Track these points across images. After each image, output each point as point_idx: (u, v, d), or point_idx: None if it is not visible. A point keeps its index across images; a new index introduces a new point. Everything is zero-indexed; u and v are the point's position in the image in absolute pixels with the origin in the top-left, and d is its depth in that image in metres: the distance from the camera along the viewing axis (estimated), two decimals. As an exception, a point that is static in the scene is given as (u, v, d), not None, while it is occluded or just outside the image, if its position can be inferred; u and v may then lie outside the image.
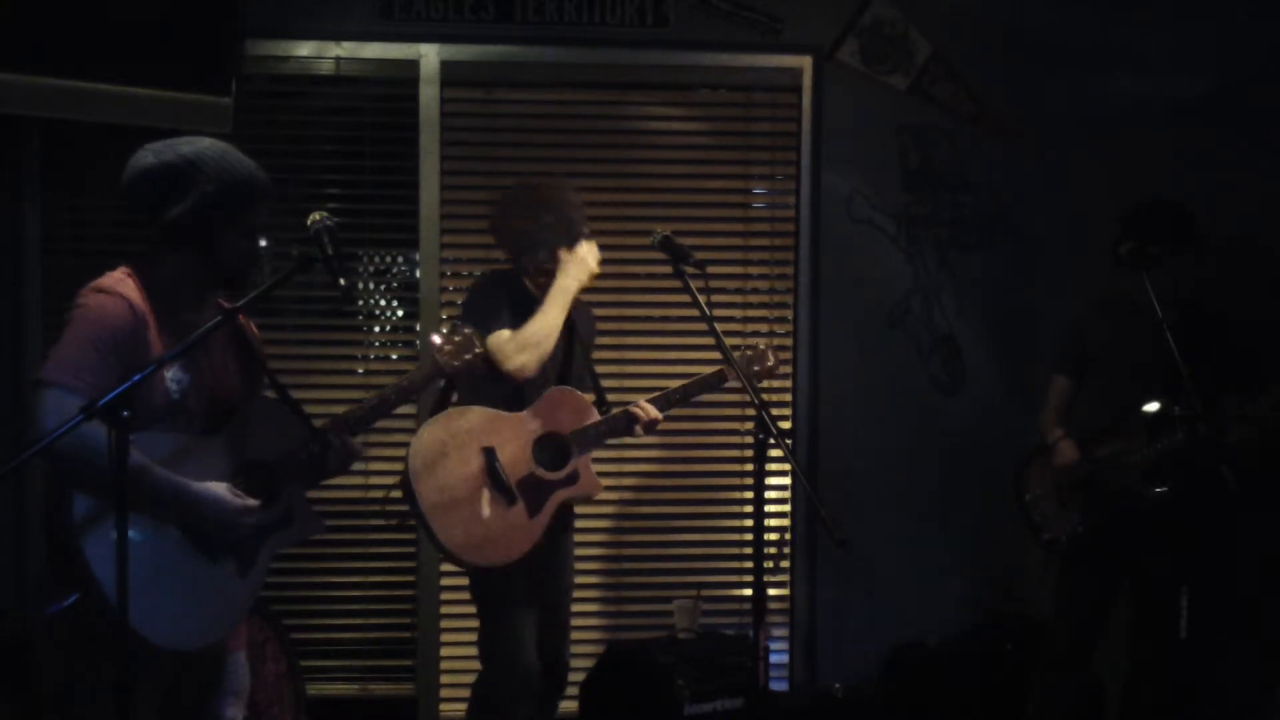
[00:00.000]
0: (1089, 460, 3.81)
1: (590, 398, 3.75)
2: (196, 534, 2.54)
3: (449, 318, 4.31)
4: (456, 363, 3.11)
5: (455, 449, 3.49)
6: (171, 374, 2.54)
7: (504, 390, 3.58)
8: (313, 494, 4.39)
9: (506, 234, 3.67)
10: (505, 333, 3.53)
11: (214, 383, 2.65)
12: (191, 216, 2.55)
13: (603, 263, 4.46)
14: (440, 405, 3.74)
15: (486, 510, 3.49)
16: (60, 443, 2.27)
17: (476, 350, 3.17)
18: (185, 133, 2.69)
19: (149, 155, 2.58)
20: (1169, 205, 3.78)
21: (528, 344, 3.51)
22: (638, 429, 3.63)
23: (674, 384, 3.75)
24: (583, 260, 3.62)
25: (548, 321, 3.54)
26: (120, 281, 2.54)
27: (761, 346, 3.83)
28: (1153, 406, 3.66)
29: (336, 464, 2.79)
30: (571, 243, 3.65)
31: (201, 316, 2.63)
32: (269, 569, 2.74)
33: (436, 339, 3.13)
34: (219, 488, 2.55)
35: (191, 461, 2.53)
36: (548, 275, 3.63)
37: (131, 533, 2.35)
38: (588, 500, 3.78)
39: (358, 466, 4.43)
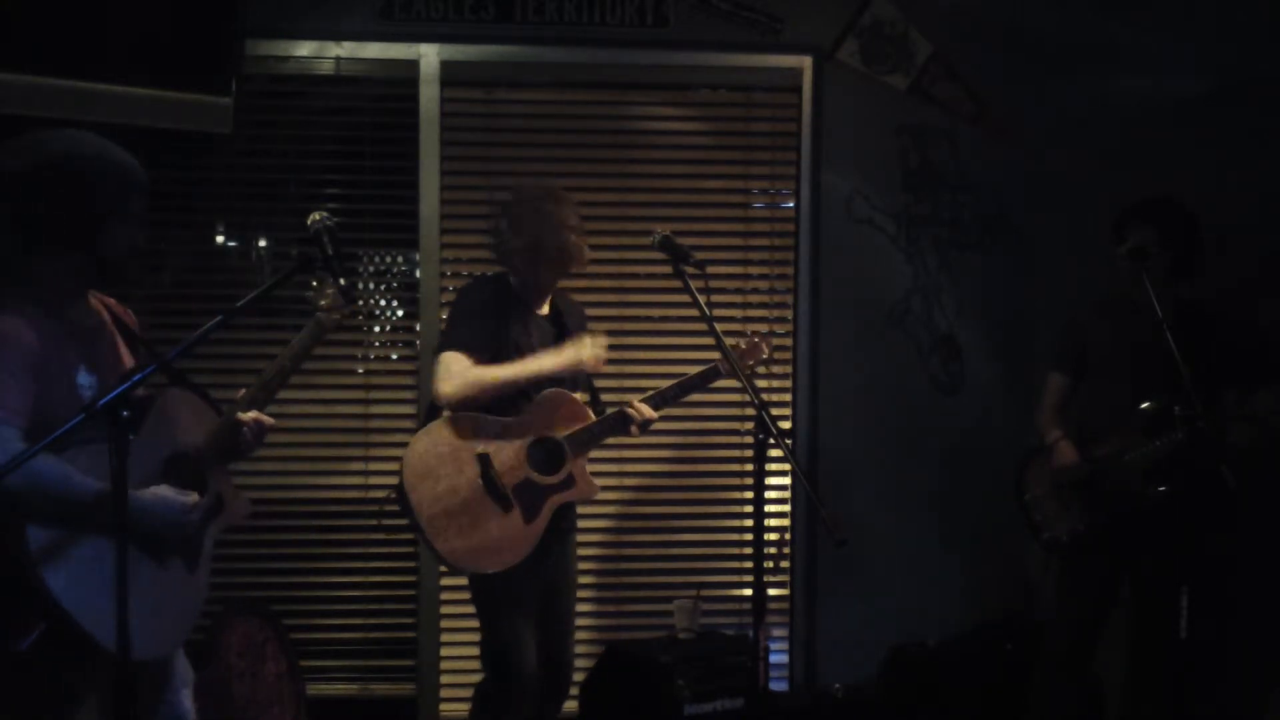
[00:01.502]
0: (1088, 461, 3.81)
1: (584, 398, 3.75)
2: (142, 541, 2.48)
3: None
4: (337, 315, 2.98)
5: (449, 457, 3.49)
6: (82, 379, 2.46)
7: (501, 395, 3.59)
8: (314, 493, 4.51)
9: (502, 244, 3.65)
10: (462, 359, 3.49)
11: (119, 381, 2.54)
12: (74, 215, 2.45)
13: (603, 263, 4.51)
14: (435, 410, 3.74)
15: (483, 517, 3.49)
16: (11, 481, 2.20)
17: (355, 302, 3.06)
18: (51, 124, 2.57)
19: (11, 156, 2.44)
20: (1168, 203, 3.78)
21: (471, 384, 3.47)
22: (633, 429, 3.62)
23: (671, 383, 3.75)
24: (580, 348, 3.56)
25: (505, 376, 3.50)
26: (4, 300, 2.43)
27: (755, 338, 3.82)
28: (1152, 406, 3.65)
29: (252, 441, 2.73)
30: (564, 267, 3.63)
31: (85, 313, 2.58)
32: (213, 559, 2.72)
33: (313, 290, 2.96)
34: (162, 490, 2.51)
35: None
36: (540, 284, 3.65)
37: (85, 552, 2.32)
38: (584, 503, 3.79)
39: (358, 466, 4.50)
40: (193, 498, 2.55)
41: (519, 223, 3.58)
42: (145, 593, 2.47)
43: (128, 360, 2.66)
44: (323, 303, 2.93)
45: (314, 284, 2.89)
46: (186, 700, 2.73)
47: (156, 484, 2.53)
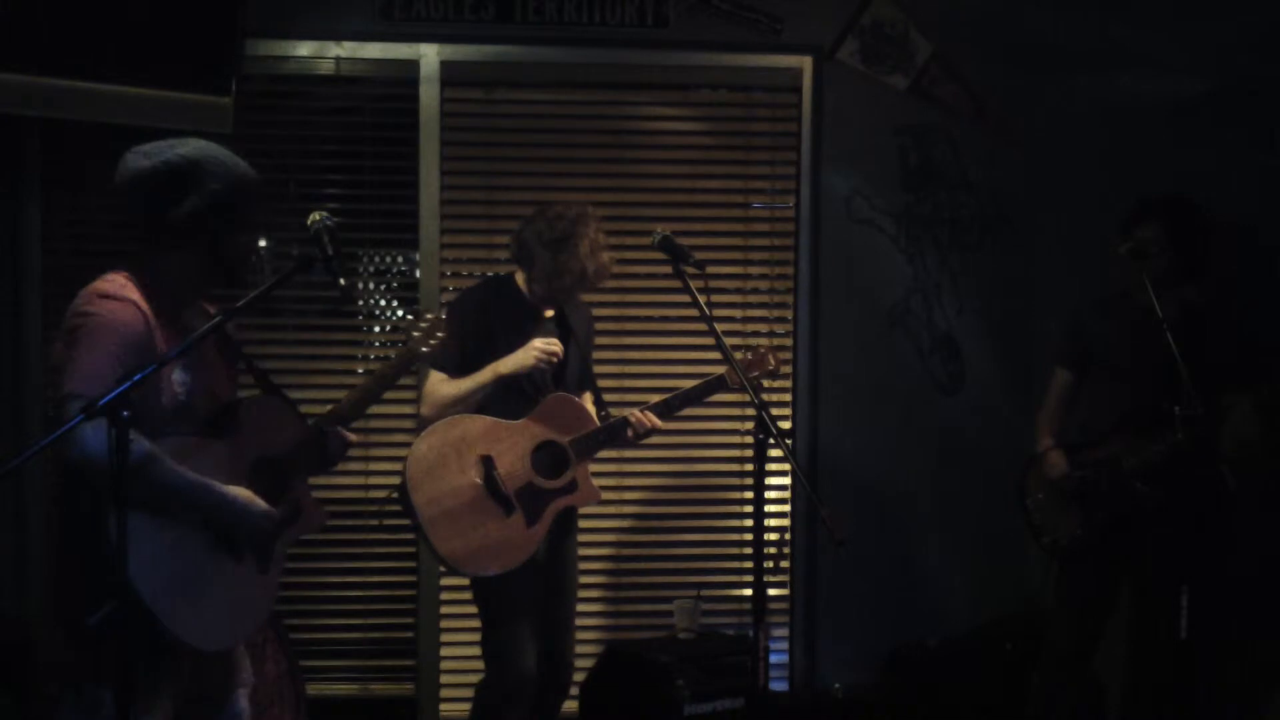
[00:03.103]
0: (1081, 468, 3.79)
1: (589, 401, 3.75)
2: (220, 535, 2.57)
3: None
4: (425, 348, 3.08)
5: (453, 458, 3.50)
6: (177, 375, 2.54)
7: (504, 398, 3.59)
8: (314, 493, 4.47)
9: (525, 251, 3.64)
10: (436, 378, 3.58)
11: (213, 382, 2.66)
12: (197, 217, 2.55)
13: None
14: None
15: (484, 520, 3.50)
16: (104, 460, 2.26)
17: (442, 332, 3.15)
18: (176, 133, 2.67)
19: (143, 158, 2.55)
20: (1179, 202, 3.75)
21: (437, 405, 3.56)
22: (628, 433, 3.62)
23: (674, 385, 3.75)
24: (528, 349, 3.57)
25: (464, 390, 3.55)
26: (124, 286, 2.51)
27: (762, 350, 3.81)
28: (1152, 407, 3.64)
29: (336, 454, 2.87)
30: (577, 290, 3.63)
31: (195, 315, 2.66)
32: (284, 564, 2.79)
33: (409, 321, 3.07)
34: (244, 493, 2.59)
35: (205, 464, 2.54)
36: (560, 297, 3.66)
37: (163, 538, 2.40)
38: (586, 507, 3.79)
39: (358, 466, 4.50)
40: (273, 510, 2.64)
41: (556, 246, 3.56)
42: (216, 586, 2.56)
43: (222, 371, 2.74)
44: (415, 333, 2.99)
45: (409, 316, 2.94)
46: (243, 700, 2.79)
47: (241, 486, 2.61)
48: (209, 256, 2.61)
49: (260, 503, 2.61)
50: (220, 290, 2.76)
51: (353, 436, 2.89)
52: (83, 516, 2.43)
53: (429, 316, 3.13)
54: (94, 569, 2.40)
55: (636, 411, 3.62)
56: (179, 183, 2.54)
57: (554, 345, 3.58)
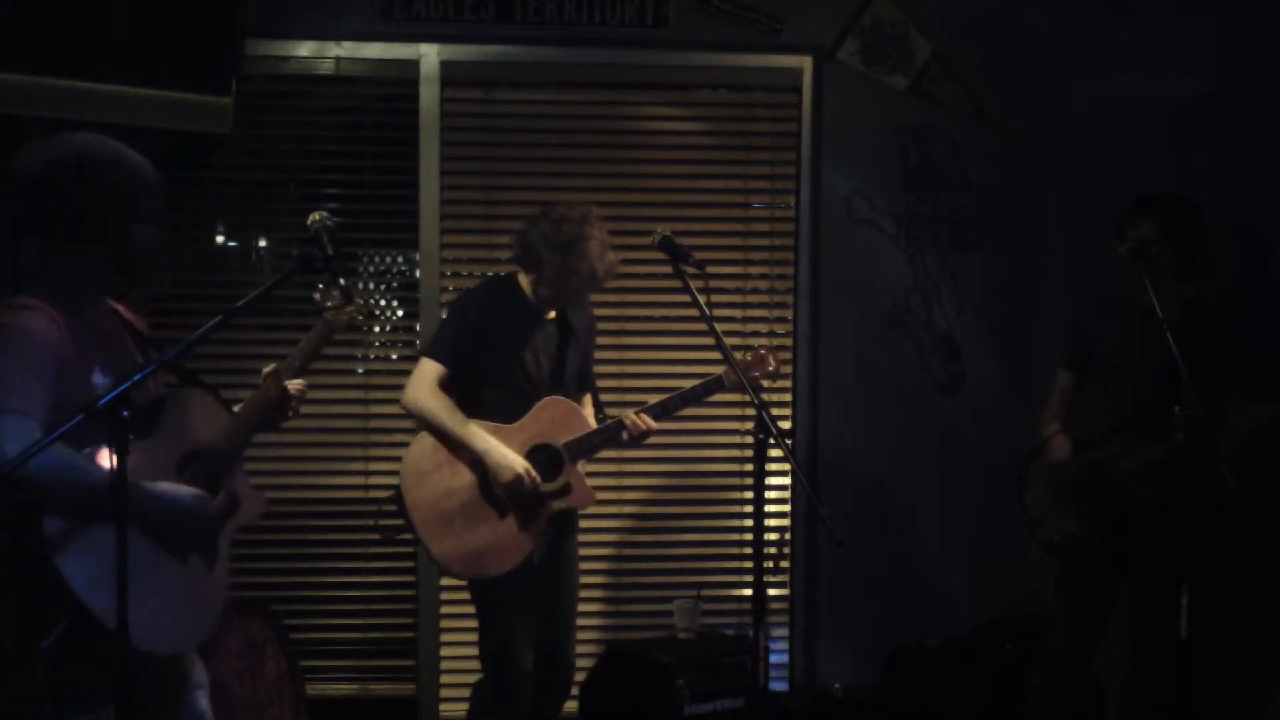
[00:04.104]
0: (1083, 459, 3.79)
1: (588, 404, 3.75)
2: (161, 536, 2.52)
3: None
4: (344, 316, 3.03)
5: (448, 461, 3.50)
6: (96, 379, 2.49)
7: (501, 399, 3.59)
8: (314, 493, 4.51)
9: (531, 255, 3.62)
10: (431, 371, 3.54)
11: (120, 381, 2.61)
12: (96, 212, 2.50)
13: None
14: None
15: (478, 522, 3.50)
16: (38, 469, 2.24)
17: (356, 301, 3.04)
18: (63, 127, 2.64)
19: (34, 156, 2.51)
20: (1172, 199, 3.75)
21: (418, 410, 3.53)
22: (624, 436, 3.61)
23: (674, 385, 3.75)
24: (515, 465, 3.50)
25: (445, 426, 3.51)
26: (29, 298, 2.47)
27: (762, 351, 3.80)
28: (1153, 407, 3.64)
29: (281, 417, 2.84)
30: (586, 292, 3.62)
31: (102, 315, 2.62)
32: (231, 558, 2.75)
33: (318, 296, 3.01)
34: (171, 485, 2.55)
35: (141, 465, 2.46)
36: (567, 299, 3.65)
37: (107, 550, 2.32)
38: (580, 509, 3.78)
39: (358, 467, 4.50)
40: (201, 492, 2.59)
41: (564, 249, 3.53)
42: (167, 589, 2.51)
43: (141, 364, 2.66)
44: (329, 304, 2.95)
45: (319, 286, 2.91)
46: (204, 700, 2.76)
47: (171, 481, 2.57)
48: (110, 253, 2.55)
49: (189, 489, 2.55)
50: (126, 289, 2.72)
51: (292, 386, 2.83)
52: (18, 534, 2.38)
53: (342, 284, 2.98)
54: (38, 589, 2.35)
55: (632, 414, 3.61)
56: (75, 178, 2.49)
57: (532, 478, 3.52)
